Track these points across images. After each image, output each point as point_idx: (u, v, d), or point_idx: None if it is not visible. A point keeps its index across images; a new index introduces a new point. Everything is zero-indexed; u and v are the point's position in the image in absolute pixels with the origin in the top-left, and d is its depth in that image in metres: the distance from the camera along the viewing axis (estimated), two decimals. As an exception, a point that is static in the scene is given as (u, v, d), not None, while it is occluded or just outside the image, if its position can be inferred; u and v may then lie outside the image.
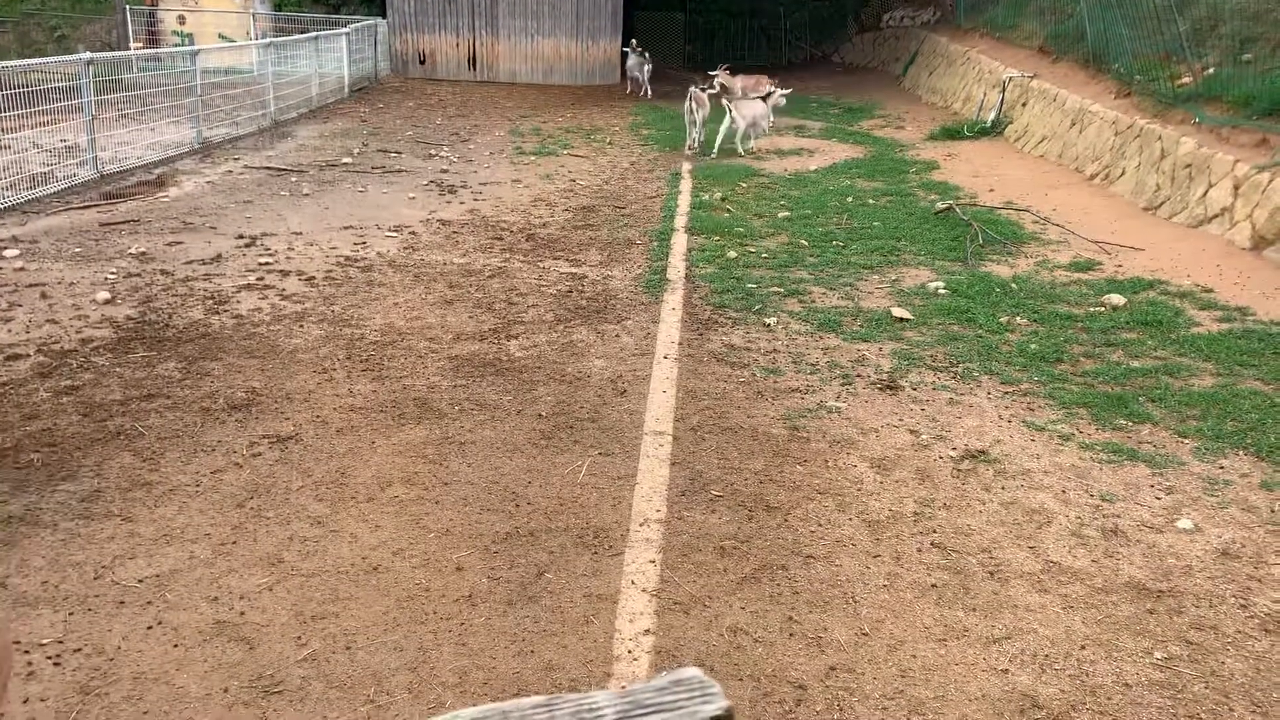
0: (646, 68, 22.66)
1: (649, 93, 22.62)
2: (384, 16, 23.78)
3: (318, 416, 5.24)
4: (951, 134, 15.48)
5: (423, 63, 24.21)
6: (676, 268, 8.39)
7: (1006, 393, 5.89)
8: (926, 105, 19.30)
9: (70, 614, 3.52)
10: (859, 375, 6.12)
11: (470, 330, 6.69)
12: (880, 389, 5.91)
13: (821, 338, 6.77)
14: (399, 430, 5.13)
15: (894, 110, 18.94)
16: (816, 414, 5.52)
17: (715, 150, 14.40)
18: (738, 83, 16.80)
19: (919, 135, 16.01)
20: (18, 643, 3.33)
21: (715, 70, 16.95)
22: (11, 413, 5.16)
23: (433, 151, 14.04)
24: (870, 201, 11.16)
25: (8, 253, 8.10)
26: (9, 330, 6.37)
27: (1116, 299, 7.57)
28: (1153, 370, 6.24)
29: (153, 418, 5.16)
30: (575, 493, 4.52)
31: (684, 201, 11.06)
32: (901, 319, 7.14)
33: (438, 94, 21.30)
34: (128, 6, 23.27)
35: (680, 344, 6.55)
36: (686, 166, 13.41)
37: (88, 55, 11.45)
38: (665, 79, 24.53)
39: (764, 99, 15.01)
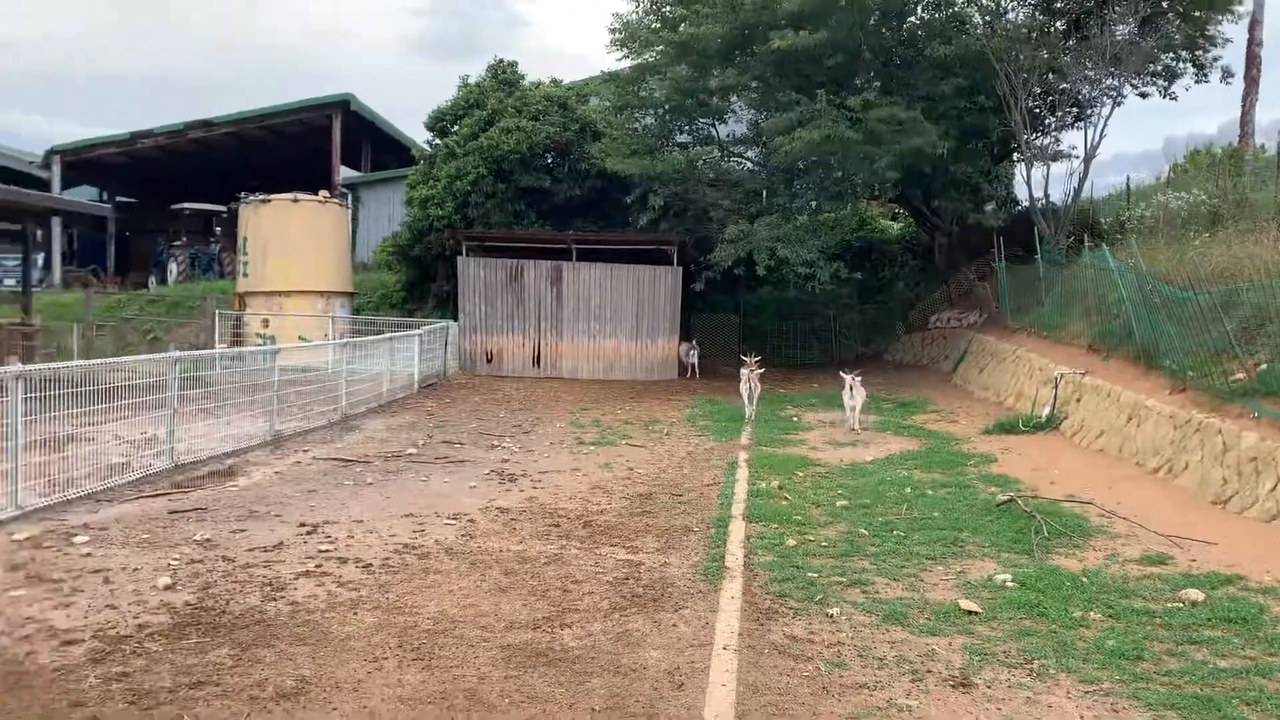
0: (694, 353, 25.82)
1: (696, 373, 25.44)
2: (455, 319, 25.21)
3: (364, 706, 5.08)
4: (1006, 428, 15.55)
5: (490, 360, 25.35)
6: (735, 555, 8.27)
7: (1087, 692, 5.55)
8: (979, 400, 19.54)
9: None
10: (929, 671, 5.83)
11: (523, 618, 6.57)
12: (953, 686, 5.61)
13: (888, 630, 6.53)
14: (448, 723, 4.93)
15: (946, 405, 19.18)
16: (886, 713, 5.22)
17: (855, 424, 16.17)
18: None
19: (973, 429, 16.11)
20: None
21: (745, 357, 18.33)
22: (59, 699, 5.09)
23: (495, 443, 14.40)
24: (929, 492, 11.09)
25: (77, 539, 8.29)
26: (68, 615, 6.39)
27: (1194, 594, 7.25)
28: (1243, 670, 5.86)
29: (200, 706, 5.05)
30: (630, 794, 4.25)
31: (741, 489, 11.08)
32: (970, 612, 6.88)
33: (503, 389, 22.13)
34: (217, 312, 25.02)
35: (740, 634, 6.34)
36: (743, 456, 13.54)
37: (176, 354, 12.22)
38: (719, 375, 25.30)
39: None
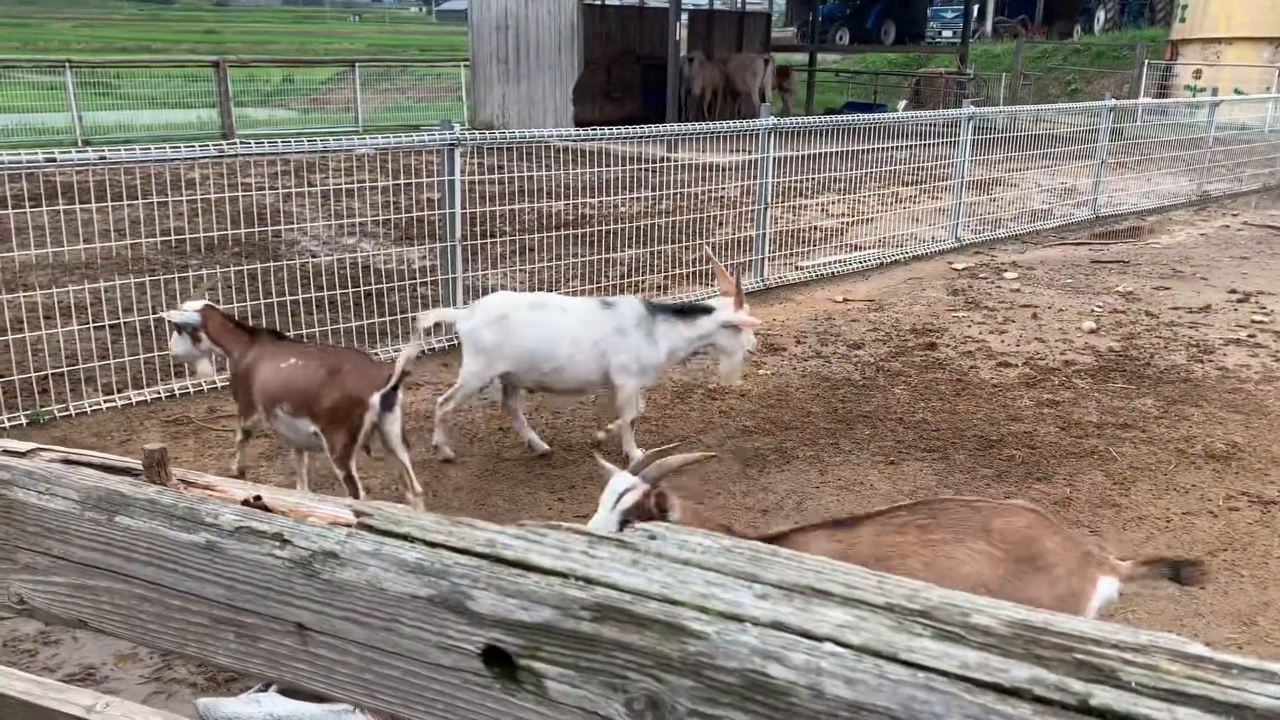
0: None
1: None
2: None
3: (1307, 489, 4.72)
4: None
5: None
6: None
7: None
8: None
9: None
10: None
11: None
12: None
13: None
14: None
15: None
16: None
17: None
18: None
19: None
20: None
21: None
22: (999, 412, 5.68)
23: None
24: None
25: (1006, 274, 8.92)
26: (1002, 340, 7.01)
27: None
28: None
29: (1126, 446, 5.19)
30: None
31: None
32: None
33: None
34: (1147, 61, 23.64)
35: None
36: None
37: (1110, 101, 11.94)
38: None
39: None
